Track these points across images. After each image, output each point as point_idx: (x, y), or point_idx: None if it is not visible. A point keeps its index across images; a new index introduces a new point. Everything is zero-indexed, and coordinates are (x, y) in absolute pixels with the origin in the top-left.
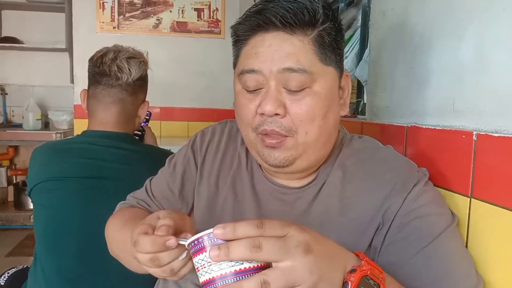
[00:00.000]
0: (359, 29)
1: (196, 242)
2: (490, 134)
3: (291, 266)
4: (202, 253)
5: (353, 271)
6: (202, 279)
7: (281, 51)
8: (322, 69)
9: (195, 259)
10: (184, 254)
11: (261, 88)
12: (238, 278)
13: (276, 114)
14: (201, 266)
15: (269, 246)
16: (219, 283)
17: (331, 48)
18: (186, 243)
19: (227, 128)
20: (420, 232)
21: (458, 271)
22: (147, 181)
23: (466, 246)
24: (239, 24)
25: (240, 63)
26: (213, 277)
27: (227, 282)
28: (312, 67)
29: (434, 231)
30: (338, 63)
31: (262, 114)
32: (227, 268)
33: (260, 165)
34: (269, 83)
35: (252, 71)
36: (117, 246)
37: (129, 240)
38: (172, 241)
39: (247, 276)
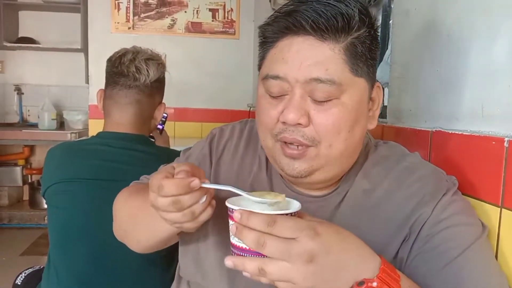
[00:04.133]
0: (380, 29)
1: (230, 210)
2: None
3: (288, 267)
4: (231, 220)
5: (360, 283)
6: (230, 238)
7: (309, 59)
8: (352, 80)
9: (230, 221)
10: (204, 198)
11: (285, 95)
12: (245, 254)
13: (299, 124)
14: (230, 229)
15: (272, 247)
16: (234, 250)
17: (363, 58)
18: (207, 186)
19: (247, 129)
20: (449, 243)
21: (489, 284)
22: (161, 166)
23: (496, 257)
24: (267, 25)
25: (266, 66)
26: (232, 243)
27: (236, 253)
28: (341, 77)
29: (464, 242)
30: (370, 74)
31: (284, 122)
32: (240, 242)
33: None
34: (294, 90)
35: (277, 77)
36: (127, 212)
37: (143, 200)
38: (196, 181)
39: (253, 256)
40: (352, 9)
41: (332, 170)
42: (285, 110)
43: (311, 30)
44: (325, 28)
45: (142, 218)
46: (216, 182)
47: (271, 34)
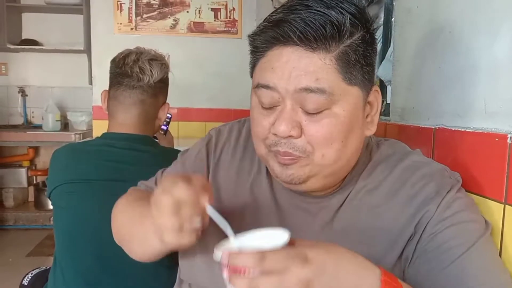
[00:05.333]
0: (382, 27)
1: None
2: None
3: None
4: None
5: None
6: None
7: (298, 69)
8: (345, 90)
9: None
10: (198, 220)
11: (277, 106)
12: None
13: (290, 136)
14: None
15: (265, 287)
16: None
17: (358, 66)
18: (209, 212)
19: (245, 128)
20: (453, 241)
21: (493, 282)
22: (159, 172)
23: (500, 254)
24: (256, 34)
25: (256, 74)
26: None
27: None
28: (333, 87)
29: (468, 240)
30: (365, 82)
31: (276, 134)
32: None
33: None
34: (284, 101)
35: (267, 86)
36: (124, 223)
37: (139, 214)
38: (206, 200)
39: None
40: (343, 15)
41: (328, 178)
42: (276, 122)
43: (299, 42)
44: (313, 38)
45: (137, 233)
46: (215, 185)
47: (260, 44)
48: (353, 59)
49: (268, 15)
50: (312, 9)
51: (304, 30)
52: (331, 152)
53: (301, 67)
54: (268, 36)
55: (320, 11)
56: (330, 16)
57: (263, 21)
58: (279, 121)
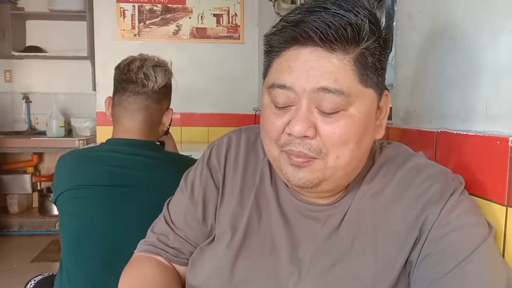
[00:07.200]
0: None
1: None
2: None
3: None
4: None
5: None
6: None
7: (317, 69)
8: (361, 91)
9: None
10: None
11: (291, 106)
12: None
13: (306, 136)
14: None
15: None
16: None
17: (373, 69)
18: None
19: (243, 138)
20: (456, 246)
21: (497, 286)
22: (165, 207)
23: (503, 256)
24: (273, 34)
25: (271, 75)
26: None
27: None
28: (350, 88)
29: (472, 244)
30: (379, 84)
31: (290, 134)
32: None
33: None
34: (300, 101)
35: (283, 86)
36: None
37: None
38: None
39: None
40: (362, 19)
41: (339, 180)
42: (292, 121)
43: (319, 42)
44: (334, 39)
45: None
46: (221, 200)
47: (277, 43)
48: (370, 61)
49: (285, 16)
50: (330, 11)
51: (324, 30)
52: (345, 153)
53: (319, 67)
54: (287, 36)
55: (339, 14)
56: (349, 19)
57: (280, 21)
58: (295, 120)
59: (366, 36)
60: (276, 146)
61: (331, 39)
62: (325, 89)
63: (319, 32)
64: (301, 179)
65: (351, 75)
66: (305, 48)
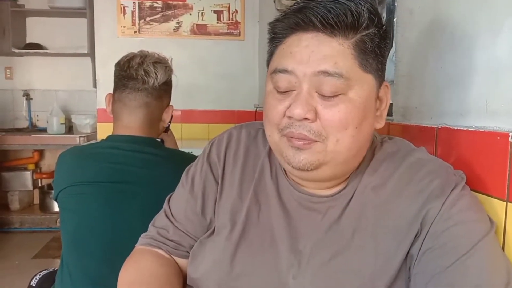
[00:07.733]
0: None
1: None
2: None
3: None
4: None
5: None
6: None
7: (318, 53)
8: (361, 76)
9: None
10: None
11: (292, 90)
12: None
13: (306, 119)
14: None
15: None
16: None
17: (373, 54)
18: None
19: (243, 134)
20: (457, 240)
21: (498, 282)
22: (166, 202)
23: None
24: (277, 21)
25: (274, 61)
26: None
27: None
28: (349, 72)
29: (473, 239)
30: (378, 72)
31: (290, 117)
32: None
33: (286, 173)
34: (301, 85)
35: (285, 71)
36: None
37: None
38: None
39: None
40: (362, 8)
41: (339, 166)
42: (292, 105)
43: (320, 26)
44: (334, 23)
45: None
46: (221, 194)
47: (280, 30)
48: (369, 47)
49: (290, 6)
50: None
51: (325, 15)
52: (345, 137)
53: (320, 51)
54: (290, 22)
55: (340, 1)
56: (349, 6)
57: (285, 10)
58: (295, 104)
59: (366, 23)
60: (277, 131)
61: (332, 23)
62: (325, 73)
63: (319, 17)
64: (302, 160)
65: (351, 60)
66: (306, 33)
